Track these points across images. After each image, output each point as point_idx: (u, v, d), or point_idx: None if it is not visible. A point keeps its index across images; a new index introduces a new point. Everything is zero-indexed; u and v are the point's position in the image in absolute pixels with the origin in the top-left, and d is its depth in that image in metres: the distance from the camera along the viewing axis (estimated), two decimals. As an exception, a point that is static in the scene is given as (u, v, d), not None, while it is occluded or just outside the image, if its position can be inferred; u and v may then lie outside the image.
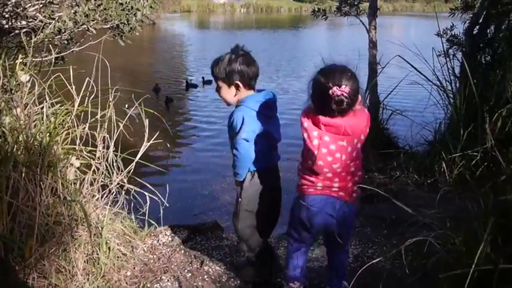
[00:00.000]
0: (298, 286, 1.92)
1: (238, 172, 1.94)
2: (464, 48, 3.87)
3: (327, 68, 1.62)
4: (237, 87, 1.90)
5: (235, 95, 1.92)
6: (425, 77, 3.89)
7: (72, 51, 3.05)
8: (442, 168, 3.08)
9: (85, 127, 2.54)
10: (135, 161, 2.45)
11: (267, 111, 1.89)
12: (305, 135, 1.63)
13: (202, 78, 9.17)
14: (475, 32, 3.85)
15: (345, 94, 1.53)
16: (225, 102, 1.99)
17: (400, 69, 4.23)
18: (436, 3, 15.33)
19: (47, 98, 2.35)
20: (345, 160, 1.63)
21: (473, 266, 1.43)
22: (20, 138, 2.01)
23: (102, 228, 2.21)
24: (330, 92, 1.53)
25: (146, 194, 2.54)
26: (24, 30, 2.58)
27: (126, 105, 2.52)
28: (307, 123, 1.62)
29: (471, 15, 3.94)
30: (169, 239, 2.62)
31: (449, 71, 3.78)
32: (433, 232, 1.67)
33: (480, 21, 3.79)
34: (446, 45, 4.02)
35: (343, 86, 1.53)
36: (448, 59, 3.85)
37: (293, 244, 1.88)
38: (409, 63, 3.95)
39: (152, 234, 2.63)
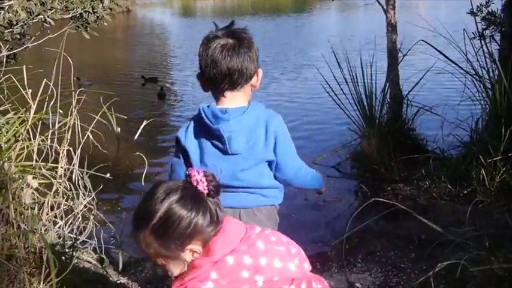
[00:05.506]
0: None
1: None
2: (504, 28, 3.87)
3: None
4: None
5: None
6: (456, 65, 3.90)
7: (27, 47, 3.07)
8: (481, 175, 3.08)
9: (44, 139, 2.55)
10: (106, 178, 2.46)
11: None
12: None
13: (142, 76, 8.88)
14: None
15: None
16: None
17: (426, 57, 4.24)
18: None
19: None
20: None
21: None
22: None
23: (69, 261, 2.21)
24: None
25: (120, 217, 2.55)
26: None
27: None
28: None
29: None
30: (151, 272, 2.61)
31: (486, 57, 3.79)
32: (469, 253, 1.67)
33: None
34: (482, 25, 4.02)
35: None
36: (484, 42, 3.86)
37: None
38: (435, 49, 3.95)
39: (127, 268, 2.63)
